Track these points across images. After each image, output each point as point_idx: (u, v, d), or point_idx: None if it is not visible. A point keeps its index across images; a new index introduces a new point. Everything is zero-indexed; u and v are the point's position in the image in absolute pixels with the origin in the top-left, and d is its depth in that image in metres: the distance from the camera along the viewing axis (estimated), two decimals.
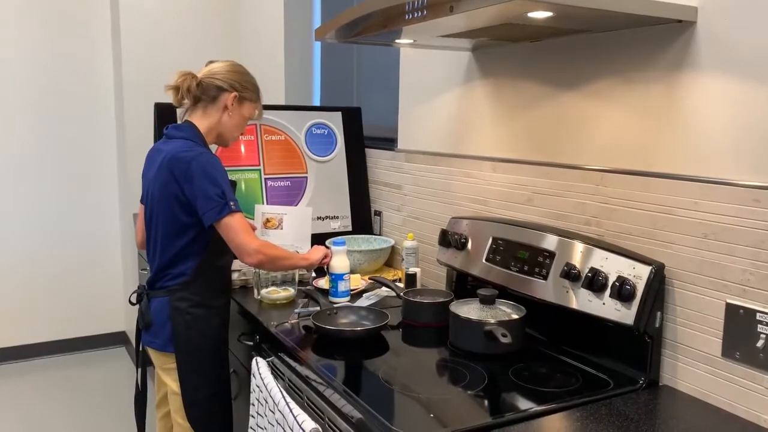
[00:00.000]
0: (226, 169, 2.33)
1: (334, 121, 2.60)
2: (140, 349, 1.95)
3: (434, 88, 2.18)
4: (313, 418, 1.34)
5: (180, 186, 1.72)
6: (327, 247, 2.00)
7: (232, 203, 1.72)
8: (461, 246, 1.85)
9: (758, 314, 1.21)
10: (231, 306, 2.02)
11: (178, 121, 1.86)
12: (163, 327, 1.80)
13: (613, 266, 1.42)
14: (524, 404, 1.28)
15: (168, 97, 1.88)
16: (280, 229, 2.23)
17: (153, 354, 1.86)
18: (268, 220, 2.22)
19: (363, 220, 2.57)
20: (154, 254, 1.84)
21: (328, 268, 1.97)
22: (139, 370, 1.98)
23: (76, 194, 3.98)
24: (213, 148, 2.32)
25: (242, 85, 1.86)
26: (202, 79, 1.83)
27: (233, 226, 1.71)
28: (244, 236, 1.71)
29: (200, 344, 1.82)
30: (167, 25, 3.68)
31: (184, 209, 1.74)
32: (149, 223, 1.84)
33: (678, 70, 1.36)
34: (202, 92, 1.83)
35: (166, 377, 1.85)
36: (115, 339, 4.15)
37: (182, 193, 1.72)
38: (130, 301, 1.92)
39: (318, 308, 1.80)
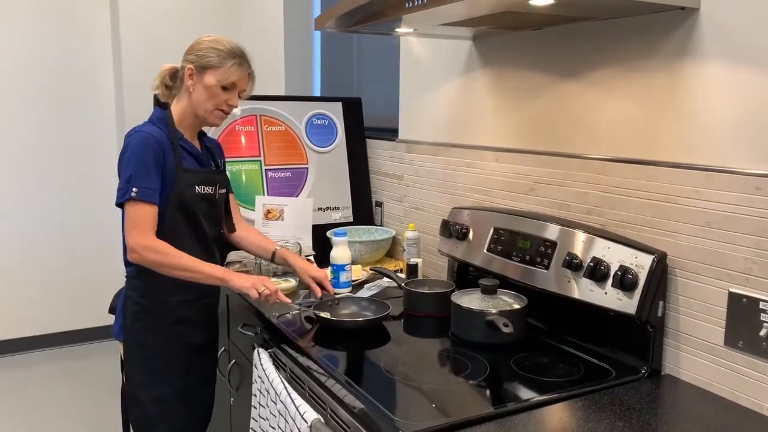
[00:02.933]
0: (227, 160, 2.34)
1: (335, 112, 2.59)
2: None
3: (435, 78, 2.17)
4: (315, 409, 1.34)
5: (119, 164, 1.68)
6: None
7: (134, 190, 1.60)
8: (462, 236, 1.85)
9: (761, 303, 1.21)
10: (233, 297, 2.01)
11: None
12: (120, 314, 1.77)
13: (615, 255, 1.42)
14: (526, 394, 1.28)
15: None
16: (281, 221, 2.23)
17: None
18: (269, 212, 2.22)
19: (364, 210, 2.56)
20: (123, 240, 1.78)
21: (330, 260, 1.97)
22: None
23: (76, 188, 3.97)
24: (216, 132, 2.32)
25: (198, 55, 1.70)
26: (178, 68, 1.78)
27: (126, 215, 1.63)
28: (129, 229, 1.62)
29: (146, 340, 1.73)
30: (166, 19, 3.67)
31: None
32: None
33: (681, 58, 1.35)
34: (179, 79, 1.77)
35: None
36: None
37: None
38: None
39: (320, 299, 1.80)
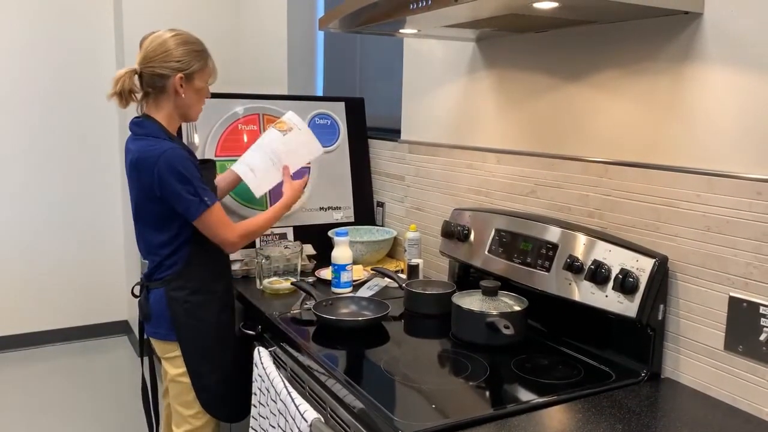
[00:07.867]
0: (229, 158, 2.34)
1: (337, 112, 2.59)
2: (143, 340, 1.96)
3: (438, 79, 2.17)
4: (315, 408, 1.34)
5: (151, 186, 1.69)
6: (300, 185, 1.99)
7: (206, 199, 1.70)
8: (464, 237, 1.85)
9: (761, 308, 1.21)
10: (234, 295, 2.02)
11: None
12: (163, 317, 1.80)
13: (616, 259, 1.42)
14: (526, 396, 1.29)
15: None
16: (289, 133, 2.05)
17: (156, 344, 1.87)
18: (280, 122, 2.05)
19: (365, 211, 2.56)
20: (147, 249, 1.83)
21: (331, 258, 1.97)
22: (145, 361, 1.98)
23: (79, 183, 3.98)
24: (219, 131, 2.32)
25: (182, 61, 1.73)
26: (141, 71, 1.74)
27: (209, 223, 1.73)
28: (221, 231, 1.75)
29: (202, 331, 1.82)
30: (169, 15, 3.67)
31: (161, 205, 1.72)
32: (135, 219, 1.84)
33: (684, 62, 1.35)
34: (147, 85, 1.75)
35: (167, 365, 1.85)
36: (118, 328, 4.17)
37: (154, 191, 1.70)
38: (132, 293, 1.93)
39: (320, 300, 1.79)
